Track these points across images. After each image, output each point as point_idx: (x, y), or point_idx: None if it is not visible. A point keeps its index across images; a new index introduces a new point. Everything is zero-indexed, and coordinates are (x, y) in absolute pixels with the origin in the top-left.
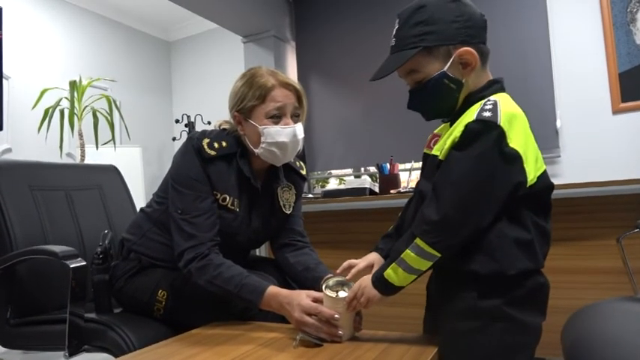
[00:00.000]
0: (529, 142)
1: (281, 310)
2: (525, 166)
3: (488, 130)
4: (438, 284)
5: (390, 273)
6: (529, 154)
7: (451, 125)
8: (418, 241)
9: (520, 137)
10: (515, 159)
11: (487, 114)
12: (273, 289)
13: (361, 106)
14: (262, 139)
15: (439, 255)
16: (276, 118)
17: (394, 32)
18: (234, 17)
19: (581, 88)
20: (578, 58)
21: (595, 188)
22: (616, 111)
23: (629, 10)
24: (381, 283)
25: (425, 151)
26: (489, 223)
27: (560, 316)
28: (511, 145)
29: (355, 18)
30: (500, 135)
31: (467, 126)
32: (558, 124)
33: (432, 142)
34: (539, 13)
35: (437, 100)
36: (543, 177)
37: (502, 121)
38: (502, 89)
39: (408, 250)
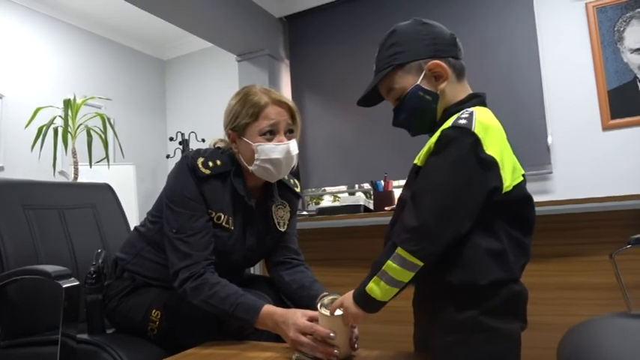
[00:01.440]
0: (505, 152)
1: (276, 329)
2: (502, 172)
3: (463, 136)
4: (420, 299)
5: (372, 287)
6: (505, 162)
7: (432, 136)
8: (399, 250)
9: (496, 146)
10: (491, 164)
11: (462, 121)
12: (268, 308)
13: (355, 123)
14: (256, 156)
15: (421, 264)
16: (270, 135)
17: (375, 60)
18: (228, 36)
19: (572, 105)
20: (567, 76)
21: (587, 204)
22: (606, 127)
23: (616, 29)
24: (362, 298)
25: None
26: (466, 232)
27: (555, 332)
28: (487, 151)
29: (349, 37)
30: (475, 141)
31: (442, 132)
32: (549, 140)
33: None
34: (529, 32)
35: (415, 113)
36: (520, 187)
37: (477, 129)
38: (482, 103)
39: (389, 262)
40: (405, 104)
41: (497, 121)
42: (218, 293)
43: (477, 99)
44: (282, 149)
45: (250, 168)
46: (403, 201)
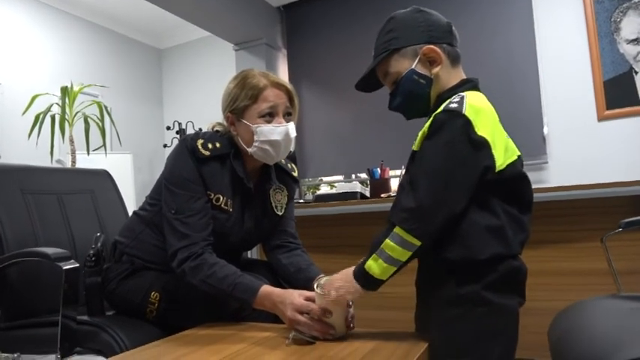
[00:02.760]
0: (496, 133)
1: (274, 309)
2: (494, 152)
3: (454, 119)
4: (423, 275)
5: (370, 264)
6: (497, 142)
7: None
8: (397, 229)
9: (487, 127)
10: (482, 145)
11: (453, 105)
12: (266, 289)
13: (352, 113)
14: (255, 137)
15: (418, 243)
16: (269, 117)
17: (374, 45)
18: (225, 25)
19: (568, 96)
20: (564, 66)
21: (579, 191)
22: (601, 118)
23: (612, 19)
24: (361, 275)
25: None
26: (462, 211)
27: (546, 317)
28: (479, 132)
29: (346, 25)
30: (467, 123)
31: (435, 116)
32: (545, 131)
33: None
34: (526, 23)
35: (410, 97)
36: (514, 165)
37: (467, 111)
38: (475, 88)
39: (387, 240)
40: (400, 88)
41: (490, 104)
42: (216, 273)
43: (469, 84)
44: (281, 131)
45: (249, 150)
46: (402, 186)
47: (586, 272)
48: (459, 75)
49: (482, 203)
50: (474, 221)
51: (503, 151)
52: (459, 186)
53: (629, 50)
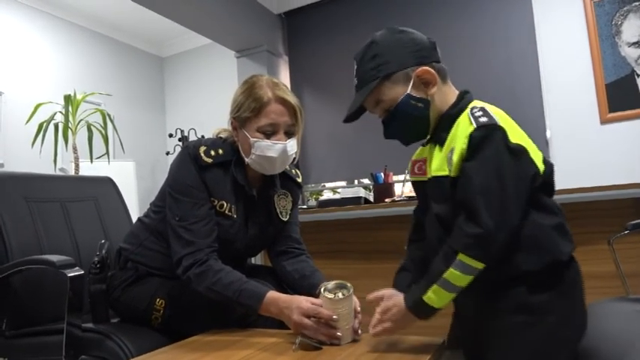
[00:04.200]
0: (523, 135)
1: (280, 315)
2: (533, 157)
3: (493, 133)
4: (474, 289)
5: (431, 296)
6: (529, 146)
7: (436, 144)
8: (462, 257)
9: (516, 132)
10: (522, 153)
11: (484, 119)
12: (272, 294)
13: None
14: (252, 150)
15: (482, 266)
16: (269, 133)
17: (354, 74)
18: (227, 32)
19: (570, 99)
20: (565, 70)
21: (584, 194)
22: (604, 121)
23: (613, 22)
24: (419, 307)
25: (413, 179)
26: (520, 220)
27: None
28: (513, 140)
29: (347, 32)
30: (504, 134)
31: (471, 136)
32: (548, 134)
33: (416, 168)
34: (527, 26)
35: (409, 123)
36: (547, 162)
37: (500, 121)
38: (473, 98)
39: (451, 269)
40: (397, 115)
41: None
42: (222, 280)
43: (468, 95)
44: (278, 149)
45: (247, 160)
46: (438, 215)
47: (593, 275)
48: (451, 90)
49: (538, 205)
50: (539, 224)
51: (536, 152)
52: (515, 200)
53: (630, 53)
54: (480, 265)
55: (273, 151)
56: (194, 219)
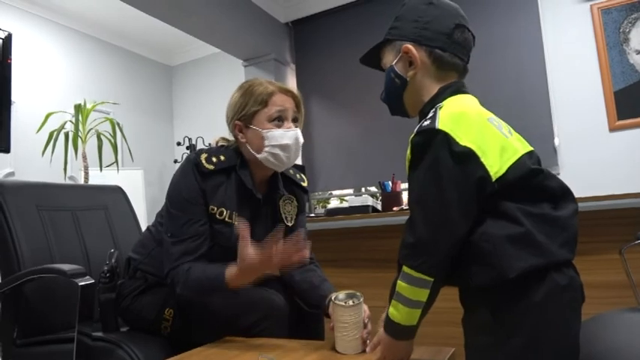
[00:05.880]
0: (486, 136)
1: (247, 277)
2: (483, 160)
3: (430, 138)
4: (460, 296)
5: (392, 312)
6: (487, 147)
7: None
8: (404, 268)
9: (472, 133)
10: (468, 156)
11: (426, 123)
12: (230, 272)
13: (360, 126)
14: (266, 142)
15: (430, 278)
16: (279, 121)
17: None
18: (235, 41)
19: (578, 107)
20: (573, 77)
21: (593, 202)
22: (613, 129)
23: (621, 30)
24: (389, 326)
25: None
26: (470, 229)
27: None
28: (462, 143)
29: (353, 41)
30: (444, 138)
31: (411, 142)
32: (556, 142)
33: None
34: (534, 34)
35: (389, 94)
36: (517, 166)
37: (442, 124)
38: (457, 91)
39: (399, 281)
40: (384, 81)
41: (476, 103)
42: (200, 281)
43: (449, 89)
44: (292, 135)
45: (259, 156)
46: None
47: (604, 285)
48: (441, 84)
49: (496, 213)
50: (491, 235)
51: (499, 155)
52: (454, 206)
53: (638, 60)
54: (423, 276)
55: (287, 137)
56: (184, 236)
